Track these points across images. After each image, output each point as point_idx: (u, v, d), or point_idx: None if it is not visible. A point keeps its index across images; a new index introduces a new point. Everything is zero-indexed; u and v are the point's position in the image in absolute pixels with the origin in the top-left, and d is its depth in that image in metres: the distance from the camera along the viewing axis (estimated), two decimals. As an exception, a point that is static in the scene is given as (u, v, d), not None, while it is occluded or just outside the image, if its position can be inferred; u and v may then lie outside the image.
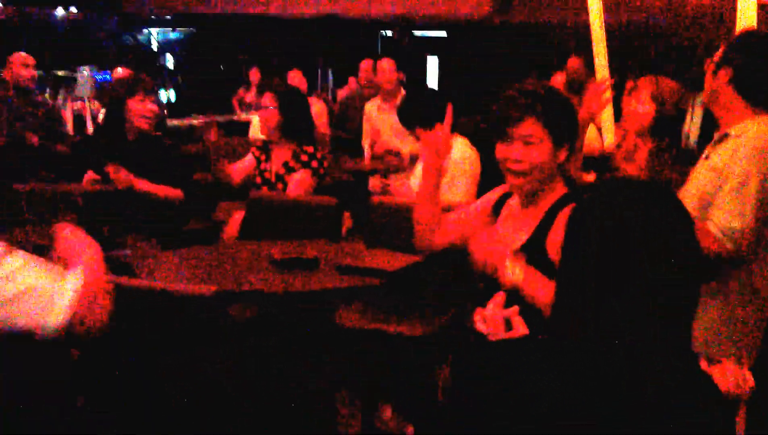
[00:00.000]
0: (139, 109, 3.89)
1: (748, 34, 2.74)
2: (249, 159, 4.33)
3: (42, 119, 6.02)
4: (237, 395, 2.79)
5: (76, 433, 2.74)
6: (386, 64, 5.39)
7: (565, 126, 2.38)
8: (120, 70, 6.72)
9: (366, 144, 5.56)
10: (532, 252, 2.30)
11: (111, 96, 6.25)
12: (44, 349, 2.76)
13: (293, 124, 4.16)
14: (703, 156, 2.60)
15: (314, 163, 4.12)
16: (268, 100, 4.15)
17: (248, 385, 2.94)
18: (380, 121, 5.44)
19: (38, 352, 2.73)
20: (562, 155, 2.37)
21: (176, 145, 4.31)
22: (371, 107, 5.52)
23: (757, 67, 2.52)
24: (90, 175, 3.86)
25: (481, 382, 1.33)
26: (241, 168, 4.33)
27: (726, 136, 2.53)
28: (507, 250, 2.28)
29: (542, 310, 2.10)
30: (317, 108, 6.74)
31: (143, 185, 3.81)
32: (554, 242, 2.25)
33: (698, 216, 2.42)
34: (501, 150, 2.39)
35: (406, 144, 4.90)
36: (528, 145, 2.34)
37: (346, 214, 4.58)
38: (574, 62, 4.89)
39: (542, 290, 2.17)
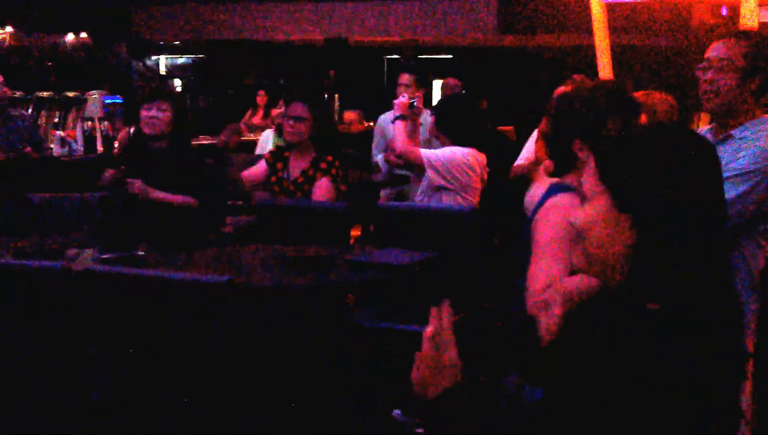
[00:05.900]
0: (144, 117, 4.00)
1: (753, 39, 2.56)
2: (261, 166, 4.37)
3: (25, 133, 6.17)
4: (246, 394, 2.80)
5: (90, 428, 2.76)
6: (407, 78, 5.32)
7: None
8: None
9: (378, 157, 5.51)
10: None
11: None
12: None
13: (323, 132, 4.23)
14: None
15: (333, 171, 4.16)
16: (300, 109, 4.19)
17: (256, 383, 2.96)
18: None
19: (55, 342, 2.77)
20: None
21: (194, 154, 4.35)
22: (384, 119, 5.49)
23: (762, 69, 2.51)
24: (110, 172, 4.03)
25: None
26: (253, 174, 4.37)
27: (729, 137, 2.54)
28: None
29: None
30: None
31: (158, 195, 3.89)
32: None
33: None
34: None
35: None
36: None
37: (357, 226, 4.60)
38: (578, 76, 4.94)
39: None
